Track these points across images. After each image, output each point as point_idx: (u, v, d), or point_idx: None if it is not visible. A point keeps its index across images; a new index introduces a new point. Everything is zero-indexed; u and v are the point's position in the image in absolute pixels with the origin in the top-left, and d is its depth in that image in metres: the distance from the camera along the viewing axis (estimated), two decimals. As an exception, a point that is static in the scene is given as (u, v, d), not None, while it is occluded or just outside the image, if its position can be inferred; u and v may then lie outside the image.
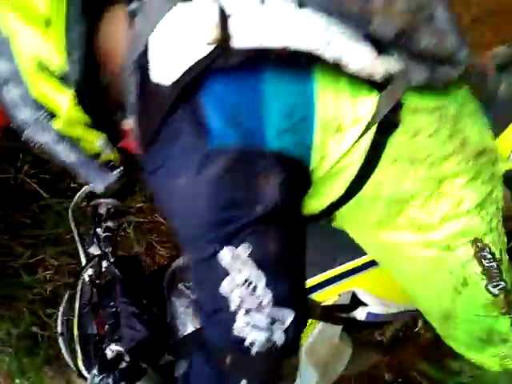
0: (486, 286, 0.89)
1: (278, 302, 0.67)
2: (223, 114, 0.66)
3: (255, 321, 0.66)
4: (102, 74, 0.75)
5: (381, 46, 0.74)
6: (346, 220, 0.92)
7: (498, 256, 0.89)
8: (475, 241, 0.86)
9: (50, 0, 0.67)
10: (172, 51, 0.68)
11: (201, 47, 0.66)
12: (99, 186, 0.84)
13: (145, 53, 0.70)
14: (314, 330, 1.07)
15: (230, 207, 0.66)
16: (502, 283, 0.90)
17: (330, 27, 0.71)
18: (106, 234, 1.22)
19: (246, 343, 0.67)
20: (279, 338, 0.67)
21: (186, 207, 0.68)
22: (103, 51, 0.74)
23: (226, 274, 0.66)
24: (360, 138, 0.74)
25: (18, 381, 1.88)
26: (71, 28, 0.68)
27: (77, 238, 1.22)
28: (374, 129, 0.75)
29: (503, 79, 1.09)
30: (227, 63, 0.65)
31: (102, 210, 1.25)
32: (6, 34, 0.68)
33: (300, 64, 0.69)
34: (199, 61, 0.65)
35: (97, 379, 0.97)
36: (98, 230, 1.23)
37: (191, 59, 0.66)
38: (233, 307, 0.66)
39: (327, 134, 0.72)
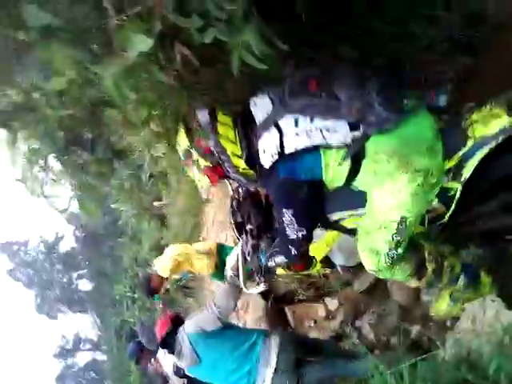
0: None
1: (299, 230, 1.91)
2: (285, 170, 1.83)
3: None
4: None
5: (354, 125, 1.78)
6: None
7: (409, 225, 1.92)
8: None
9: (236, 141, 1.86)
10: (266, 152, 1.82)
11: (274, 154, 1.80)
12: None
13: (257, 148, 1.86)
14: (341, 236, 2.20)
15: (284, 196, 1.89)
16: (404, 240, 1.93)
17: (326, 129, 1.77)
18: None
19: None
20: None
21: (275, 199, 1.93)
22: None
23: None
24: (342, 164, 1.84)
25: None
26: (241, 143, 1.86)
27: None
28: (349, 160, 1.82)
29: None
30: (285, 158, 1.80)
31: None
32: (227, 152, 1.86)
33: (315, 148, 1.80)
34: (275, 160, 1.81)
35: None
36: None
37: (272, 159, 1.82)
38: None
39: (327, 167, 1.85)
